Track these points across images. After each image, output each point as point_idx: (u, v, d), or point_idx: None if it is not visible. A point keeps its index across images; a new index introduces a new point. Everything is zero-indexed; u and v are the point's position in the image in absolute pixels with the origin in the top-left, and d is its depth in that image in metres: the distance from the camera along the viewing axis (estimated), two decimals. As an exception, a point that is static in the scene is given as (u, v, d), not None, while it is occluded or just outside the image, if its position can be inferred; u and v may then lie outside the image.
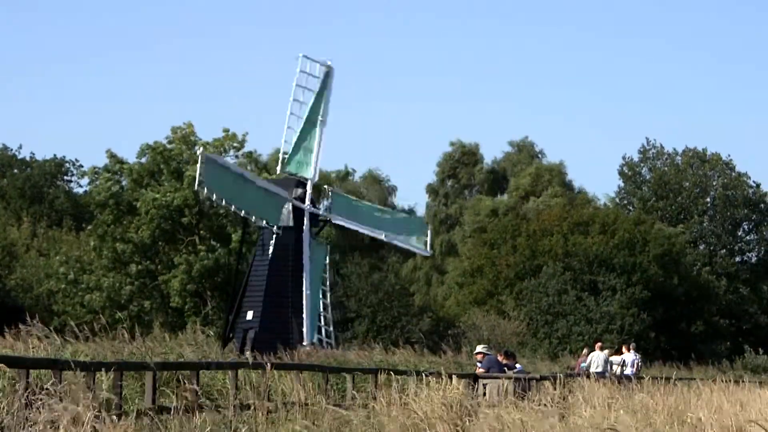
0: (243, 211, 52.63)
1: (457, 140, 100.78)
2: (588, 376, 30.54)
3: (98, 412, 15.23)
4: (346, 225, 56.84)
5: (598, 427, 19.31)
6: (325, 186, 58.08)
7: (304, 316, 52.24)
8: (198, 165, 52.12)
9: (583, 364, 46.02)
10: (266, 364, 22.30)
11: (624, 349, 48.04)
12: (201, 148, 57.57)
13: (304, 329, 51.98)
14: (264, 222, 52.88)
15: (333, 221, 56.05)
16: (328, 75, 53.49)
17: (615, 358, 46.56)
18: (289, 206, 52.71)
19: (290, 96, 53.29)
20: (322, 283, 54.40)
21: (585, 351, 50.59)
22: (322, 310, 53.64)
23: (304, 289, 52.53)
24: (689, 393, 27.87)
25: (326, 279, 54.79)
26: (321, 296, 54.12)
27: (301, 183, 53.65)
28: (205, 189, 51.71)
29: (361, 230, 57.89)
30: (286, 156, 53.74)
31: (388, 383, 24.43)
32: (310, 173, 53.69)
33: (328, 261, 55.22)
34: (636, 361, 46.45)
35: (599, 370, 42.30)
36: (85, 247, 71.81)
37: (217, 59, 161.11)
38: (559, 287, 69.01)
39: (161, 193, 67.12)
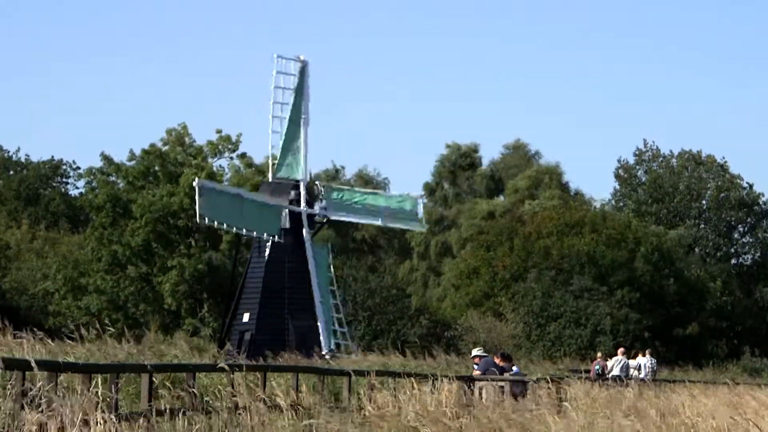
0: (244, 230, 52.17)
1: (453, 143, 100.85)
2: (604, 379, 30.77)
3: (94, 415, 15.24)
4: (345, 219, 56.94)
5: (594, 428, 19.34)
6: (316, 183, 57.14)
7: (319, 323, 52.04)
8: (196, 198, 50.89)
9: (597, 367, 46.38)
10: (262, 366, 22.32)
11: (640, 354, 48.57)
12: (196, 179, 54.59)
13: (321, 338, 51.85)
14: (265, 235, 52.08)
15: (331, 218, 55.84)
16: (303, 71, 52.27)
17: (631, 362, 46.95)
18: (285, 211, 52.48)
19: (270, 99, 52.38)
20: (330, 283, 54.25)
21: (599, 355, 50.85)
22: (334, 312, 53.32)
23: (315, 297, 52.21)
24: (683, 394, 27.89)
25: (333, 279, 54.68)
26: (332, 298, 53.73)
27: (296, 185, 53.42)
28: (206, 219, 50.87)
29: (357, 221, 58.72)
30: (275, 162, 53.10)
31: (383, 386, 24.45)
32: (300, 174, 53.09)
33: (331, 260, 55.12)
34: (649, 365, 46.97)
35: (616, 373, 42.94)
36: (82, 250, 71.83)
37: (211, 60, 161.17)
38: (545, 290, 68.92)
39: (157, 196, 67.18)
